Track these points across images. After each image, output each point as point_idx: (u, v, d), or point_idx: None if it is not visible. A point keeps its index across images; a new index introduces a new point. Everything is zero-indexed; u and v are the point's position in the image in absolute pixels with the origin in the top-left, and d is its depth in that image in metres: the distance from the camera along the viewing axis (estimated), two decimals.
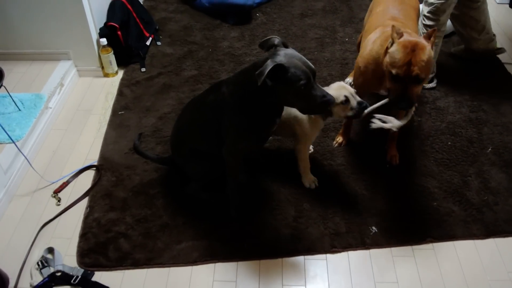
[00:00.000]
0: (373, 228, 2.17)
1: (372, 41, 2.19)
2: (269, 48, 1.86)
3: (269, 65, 1.69)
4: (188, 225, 2.20)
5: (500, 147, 2.58)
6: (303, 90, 1.76)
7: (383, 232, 2.16)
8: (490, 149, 2.57)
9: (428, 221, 2.20)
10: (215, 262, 2.07)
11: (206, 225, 2.20)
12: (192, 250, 2.10)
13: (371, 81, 2.18)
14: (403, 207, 2.26)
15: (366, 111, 2.06)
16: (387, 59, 1.97)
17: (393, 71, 1.93)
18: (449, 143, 2.60)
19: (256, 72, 1.70)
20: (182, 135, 2.20)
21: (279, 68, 1.71)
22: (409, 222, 2.20)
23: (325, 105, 1.82)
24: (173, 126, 2.30)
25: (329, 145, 2.58)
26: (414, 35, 2.01)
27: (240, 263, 2.07)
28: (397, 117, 2.06)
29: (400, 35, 1.95)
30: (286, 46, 1.84)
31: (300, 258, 2.08)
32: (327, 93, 1.81)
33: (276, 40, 1.83)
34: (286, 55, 1.76)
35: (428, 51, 1.91)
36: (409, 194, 2.32)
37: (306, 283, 1.99)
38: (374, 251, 2.10)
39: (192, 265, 2.06)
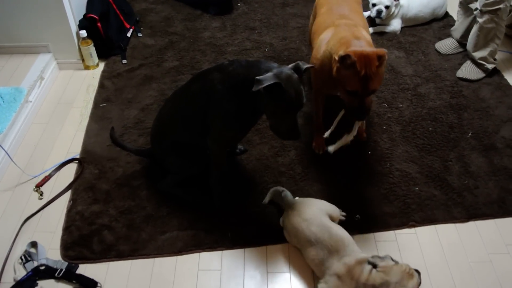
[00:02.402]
0: (357, 216, 2.18)
1: (325, 42, 2.15)
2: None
3: (272, 79, 1.74)
4: (172, 215, 2.20)
5: (480, 132, 2.62)
6: (281, 113, 1.83)
7: (367, 218, 2.18)
8: (470, 134, 2.61)
9: (410, 206, 2.23)
10: (199, 252, 2.07)
11: (190, 215, 2.20)
12: (176, 240, 2.10)
13: (328, 82, 2.10)
14: (386, 193, 2.29)
15: (331, 149, 2.12)
16: (338, 75, 1.94)
17: (348, 89, 1.92)
18: (430, 128, 2.63)
19: (257, 78, 1.74)
20: (164, 127, 2.18)
21: (277, 86, 1.76)
22: (391, 208, 2.22)
23: (290, 137, 1.89)
24: (154, 119, 2.29)
25: (312, 133, 2.59)
26: (363, 39, 2.01)
27: (225, 251, 2.08)
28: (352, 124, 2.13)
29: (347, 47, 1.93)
30: (301, 72, 1.86)
31: (285, 245, 2.09)
32: (298, 130, 1.87)
33: (304, 66, 1.87)
34: (289, 78, 1.78)
35: (380, 67, 1.88)
36: (391, 180, 2.35)
37: (290, 270, 2.01)
38: (358, 237, 2.12)
39: (176, 255, 2.06)
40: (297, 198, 2.16)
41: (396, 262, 1.82)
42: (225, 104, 1.91)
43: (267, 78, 1.73)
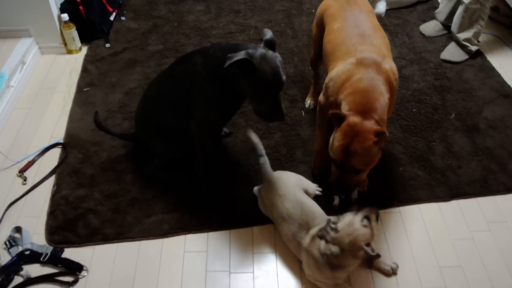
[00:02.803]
0: (342, 196, 2.20)
1: (341, 73, 1.90)
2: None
3: (241, 55, 1.70)
4: (158, 198, 2.20)
5: (463, 112, 2.64)
6: (262, 95, 1.79)
7: (351, 198, 2.19)
8: (453, 115, 2.63)
9: (394, 186, 2.25)
10: (185, 234, 2.08)
11: (176, 198, 2.20)
12: (162, 223, 2.10)
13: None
14: (370, 174, 2.30)
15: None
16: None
17: (331, 154, 1.81)
18: (414, 110, 2.65)
19: (229, 54, 1.71)
20: (148, 111, 2.17)
21: (248, 63, 1.72)
22: (376, 188, 2.24)
23: (273, 118, 1.84)
24: (138, 103, 2.27)
25: (297, 115, 2.60)
26: (368, 110, 1.74)
27: (211, 233, 2.08)
28: None
29: (345, 116, 1.74)
30: (273, 44, 1.82)
31: (270, 226, 2.10)
32: (282, 111, 1.83)
33: (268, 34, 1.83)
34: (263, 56, 1.75)
35: (367, 145, 1.70)
36: None
37: (276, 250, 2.02)
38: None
39: (162, 238, 2.06)
40: (276, 172, 2.11)
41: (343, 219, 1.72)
42: (206, 87, 1.90)
43: (237, 55, 1.70)
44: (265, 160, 2.08)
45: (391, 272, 1.94)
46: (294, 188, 1.97)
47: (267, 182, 2.03)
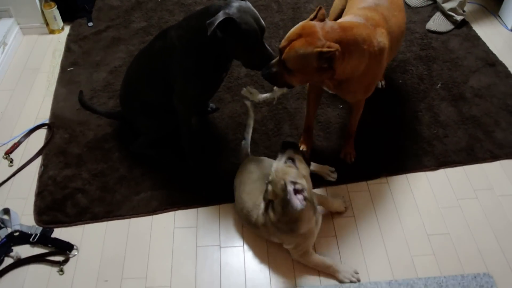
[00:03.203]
0: (331, 168, 2.21)
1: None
2: None
3: (220, 16, 1.67)
4: (146, 176, 2.19)
5: (449, 82, 2.65)
6: (251, 46, 1.77)
7: (339, 170, 2.20)
8: (439, 85, 2.63)
9: (382, 157, 2.27)
10: (175, 210, 2.08)
11: (164, 175, 2.20)
12: (151, 200, 2.10)
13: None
14: (357, 145, 2.31)
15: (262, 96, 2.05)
16: None
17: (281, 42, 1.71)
18: (400, 81, 2.65)
19: (207, 22, 1.68)
20: (131, 88, 2.15)
21: (230, 22, 1.70)
22: (363, 159, 2.25)
23: (267, 62, 1.78)
24: (122, 81, 2.25)
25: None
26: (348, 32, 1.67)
27: (200, 209, 2.09)
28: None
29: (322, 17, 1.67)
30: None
31: None
32: (272, 53, 1.81)
33: None
34: (240, 9, 1.73)
35: (303, 47, 1.61)
36: (362, 132, 2.36)
37: None
38: (330, 189, 2.15)
39: (152, 215, 2.07)
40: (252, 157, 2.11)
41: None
42: (184, 61, 1.88)
43: (217, 18, 1.67)
44: (246, 142, 2.14)
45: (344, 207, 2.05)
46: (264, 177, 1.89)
47: (242, 164, 2.05)
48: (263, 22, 1.78)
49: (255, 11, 1.78)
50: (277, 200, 1.67)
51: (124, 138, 2.34)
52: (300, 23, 1.67)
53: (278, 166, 1.67)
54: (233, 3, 1.76)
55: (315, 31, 1.62)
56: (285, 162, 1.67)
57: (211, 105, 2.46)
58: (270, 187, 1.67)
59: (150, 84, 2.05)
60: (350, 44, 1.65)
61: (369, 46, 1.72)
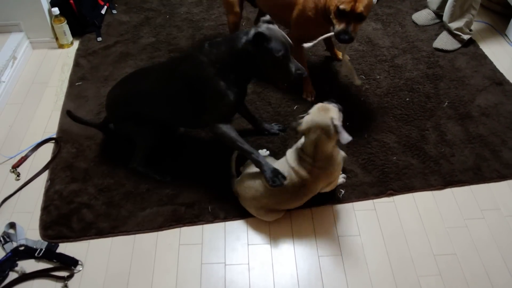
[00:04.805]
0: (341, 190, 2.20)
1: None
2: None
3: (253, 31, 1.86)
4: (152, 191, 2.19)
5: (456, 101, 2.65)
6: (281, 60, 1.90)
7: (345, 188, 2.20)
8: (446, 103, 2.63)
9: (388, 175, 2.26)
10: (180, 227, 2.08)
11: (170, 191, 2.20)
12: (156, 216, 2.10)
13: (312, 22, 2.32)
14: (364, 163, 2.31)
15: (307, 45, 2.21)
16: None
17: (341, 6, 2.08)
18: (407, 99, 2.65)
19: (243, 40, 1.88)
20: (131, 99, 2.14)
21: (261, 36, 1.84)
22: (370, 177, 2.25)
23: (299, 77, 1.97)
24: (114, 88, 2.25)
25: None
26: None
27: (206, 225, 2.08)
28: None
29: None
30: (271, 23, 1.98)
31: None
32: (301, 67, 1.97)
33: (265, 17, 1.99)
34: (268, 28, 1.91)
35: None
36: (369, 150, 2.37)
37: (271, 241, 2.03)
38: (336, 207, 2.14)
39: (157, 231, 2.06)
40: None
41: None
42: (220, 84, 1.94)
43: (251, 33, 1.87)
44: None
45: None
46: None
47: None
48: (289, 39, 1.93)
49: (282, 31, 1.94)
50: (309, 141, 1.86)
51: (131, 153, 2.33)
52: None
53: (318, 106, 1.87)
54: (262, 24, 1.95)
55: None
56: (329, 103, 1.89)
57: (278, 126, 2.49)
58: (304, 126, 1.85)
59: (165, 105, 2.08)
60: None
61: None
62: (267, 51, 1.87)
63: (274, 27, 1.94)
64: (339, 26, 2.13)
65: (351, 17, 2.10)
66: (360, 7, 2.06)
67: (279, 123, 2.49)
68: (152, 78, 2.12)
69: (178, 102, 2.05)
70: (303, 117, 1.88)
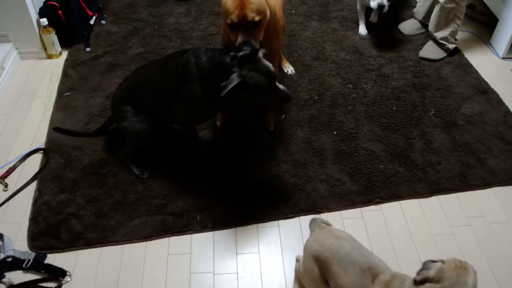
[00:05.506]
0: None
1: None
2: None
3: (234, 81, 1.82)
4: (140, 202, 2.20)
5: (442, 109, 2.68)
6: (263, 93, 1.91)
7: (333, 196, 2.22)
8: (432, 112, 2.67)
9: (375, 183, 2.28)
10: (169, 236, 2.08)
11: (158, 200, 2.20)
12: (145, 226, 2.10)
13: None
14: (352, 172, 2.33)
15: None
16: (222, 12, 2.02)
17: (228, 21, 1.96)
18: (394, 108, 2.68)
19: (222, 84, 1.84)
20: (131, 92, 2.22)
21: (242, 85, 1.84)
22: (357, 186, 2.27)
23: (283, 102, 1.99)
24: (123, 82, 2.34)
25: (277, 115, 2.62)
26: None
27: (194, 235, 2.09)
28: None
29: None
30: (255, 52, 1.90)
31: (253, 226, 2.11)
32: (284, 90, 1.94)
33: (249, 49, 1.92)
34: (254, 68, 1.85)
35: None
36: (357, 159, 2.39)
37: (259, 250, 2.04)
38: (324, 215, 2.16)
39: (146, 241, 2.06)
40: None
41: (441, 261, 1.44)
42: (195, 90, 1.98)
43: (232, 81, 1.82)
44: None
45: None
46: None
47: (316, 227, 1.71)
48: (273, 71, 1.88)
49: (266, 64, 1.88)
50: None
51: (119, 163, 2.35)
52: None
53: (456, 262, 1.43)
54: (247, 53, 1.86)
55: None
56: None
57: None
58: (439, 265, 1.42)
59: (153, 94, 2.15)
60: None
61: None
62: (248, 92, 1.88)
63: (259, 63, 1.87)
64: (239, 39, 1.97)
65: (246, 26, 1.96)
66: (250, 14, 1.93)
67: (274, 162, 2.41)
68: (149, 69, 2.21)
69: (164, 93, 2.12)
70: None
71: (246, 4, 1.90)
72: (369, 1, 2.97)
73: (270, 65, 1.89)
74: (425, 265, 1.43)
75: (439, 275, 1.39)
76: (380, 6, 2.90)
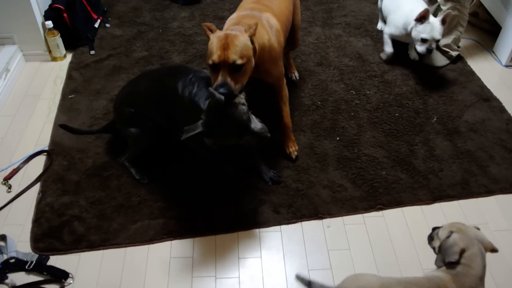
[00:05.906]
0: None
1: (227, 22, 2.17)
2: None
3: (197, 128, 1.77)
4: (143, 204, 2.20)
5: (444, 116, 2.69)
6: (232, 140, 1.86)
7: (335, 202, 2.22)
8: (435, 119, 2.67)
9: (378, 190, 2.28)
10: (171, 240, 2.08)
11: (161, 204, 2.21)
12: (148, 229, 2.11)
13: None
14: (354, 178, 2.33)
15: None
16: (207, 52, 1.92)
17: (210, 61, 1.86)
18: (397, 114, 2.69)
19: (185, 128, 1.78)
20: (134, 96, 2.23)
21: (206, 132, 1.79)
22: (359, 192, 2.27)
23: (262, 143, 1.87)
24: (127, 84, 2.37)
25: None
26: (237, 28, 1.95)
27: (196, 239, 2.09)
28: None
29: (214, 30, 1.92)
30: (230, 98, 1.79)
31: (256, 231, 2.12)
32: (263, 135, 1.84)
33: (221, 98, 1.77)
34: (221, 117, 1.76)
35: (241, 38, 1.86)
36: (359, 165, 2.39)
37: (261, 255, 2.04)
38: (326, 221, 2.16)
39: (148, 244, 2.07)
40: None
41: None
42: (188, 114, 1.98)
43: (196, 128, 1.77)
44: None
45: None
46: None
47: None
48: (245, 120, 1.78)
49: (240, 110, 1.78)
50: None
51: (121, 168, 2.36)
52: (215, 37, 1.88)
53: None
54: (216, 111, 1.77)
55: (229, 31, 1.90)
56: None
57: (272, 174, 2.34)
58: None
59: (153, 108, 2.16)
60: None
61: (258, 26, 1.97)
62: (214, 135, 1.83)
63: (230, 113, 1.76)
64: (217, 80, 1.83)
65: (226, 68, 1.83)
66: (231, 56, 1.82)
67: (276, 170, 2.36)
68: (147, 81, 2.23)
69: (161, 111, 2.14)
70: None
71: (230, 45, 1.82)
72: (414, 45, 2.85)
73: (244, 111, 1.78)
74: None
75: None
76: (429, 50, 2.77)
